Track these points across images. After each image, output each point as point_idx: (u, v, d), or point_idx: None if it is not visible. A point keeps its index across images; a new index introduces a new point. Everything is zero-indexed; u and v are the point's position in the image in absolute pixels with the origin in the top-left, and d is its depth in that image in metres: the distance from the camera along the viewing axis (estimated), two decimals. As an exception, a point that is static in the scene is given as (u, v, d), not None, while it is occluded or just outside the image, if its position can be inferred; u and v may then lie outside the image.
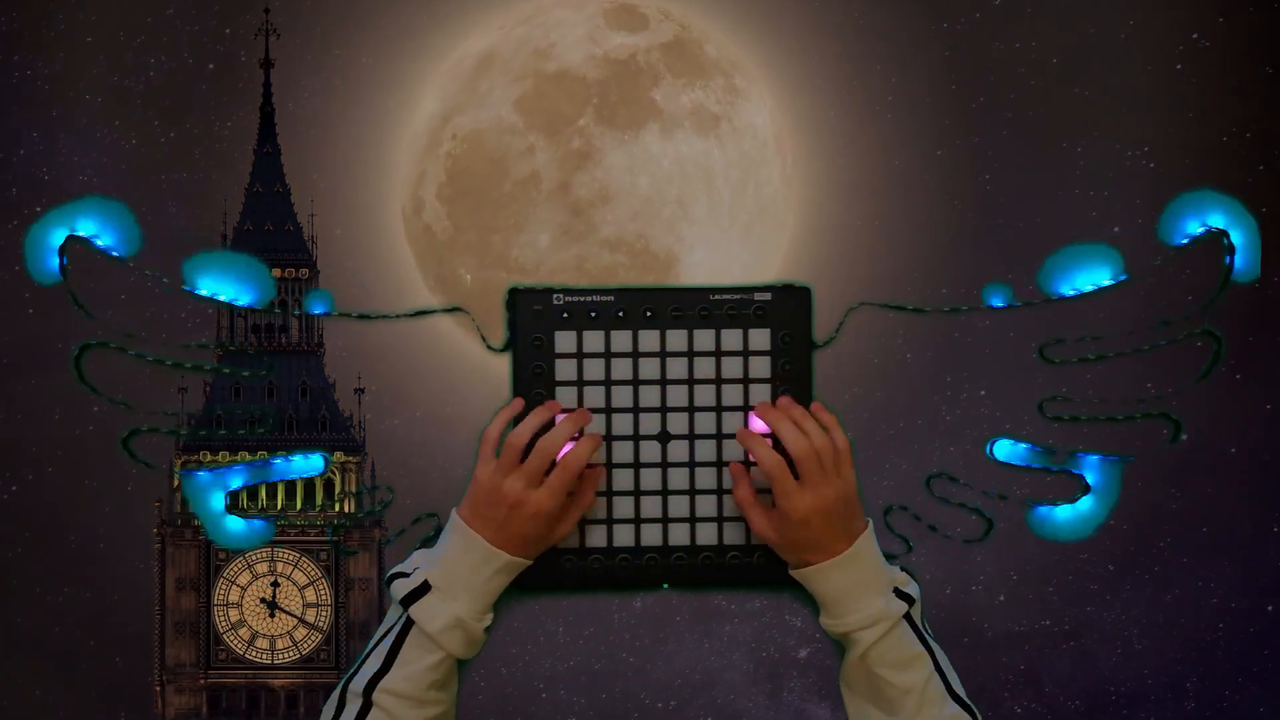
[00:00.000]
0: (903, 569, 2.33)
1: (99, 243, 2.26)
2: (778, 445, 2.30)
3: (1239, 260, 2.28)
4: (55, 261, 2.25)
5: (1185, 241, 2.30)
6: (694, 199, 13.03)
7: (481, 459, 2.29)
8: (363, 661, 2.27)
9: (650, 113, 12.90)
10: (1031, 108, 14.37)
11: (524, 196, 12.76)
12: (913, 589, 2.31)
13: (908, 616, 2.30)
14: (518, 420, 2.32)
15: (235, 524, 2.39)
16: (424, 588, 2.27)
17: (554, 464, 2.28)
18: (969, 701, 2.29)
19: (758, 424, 2.33)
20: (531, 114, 12.75)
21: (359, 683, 2.27)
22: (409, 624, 2.26)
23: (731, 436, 2.36)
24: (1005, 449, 2.37)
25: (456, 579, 2.27)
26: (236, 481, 2.39)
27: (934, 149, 14.28)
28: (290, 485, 30.71)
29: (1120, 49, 14.18)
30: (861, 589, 2.28)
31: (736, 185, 13.23)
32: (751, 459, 2.33)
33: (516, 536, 2.27)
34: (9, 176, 14.35)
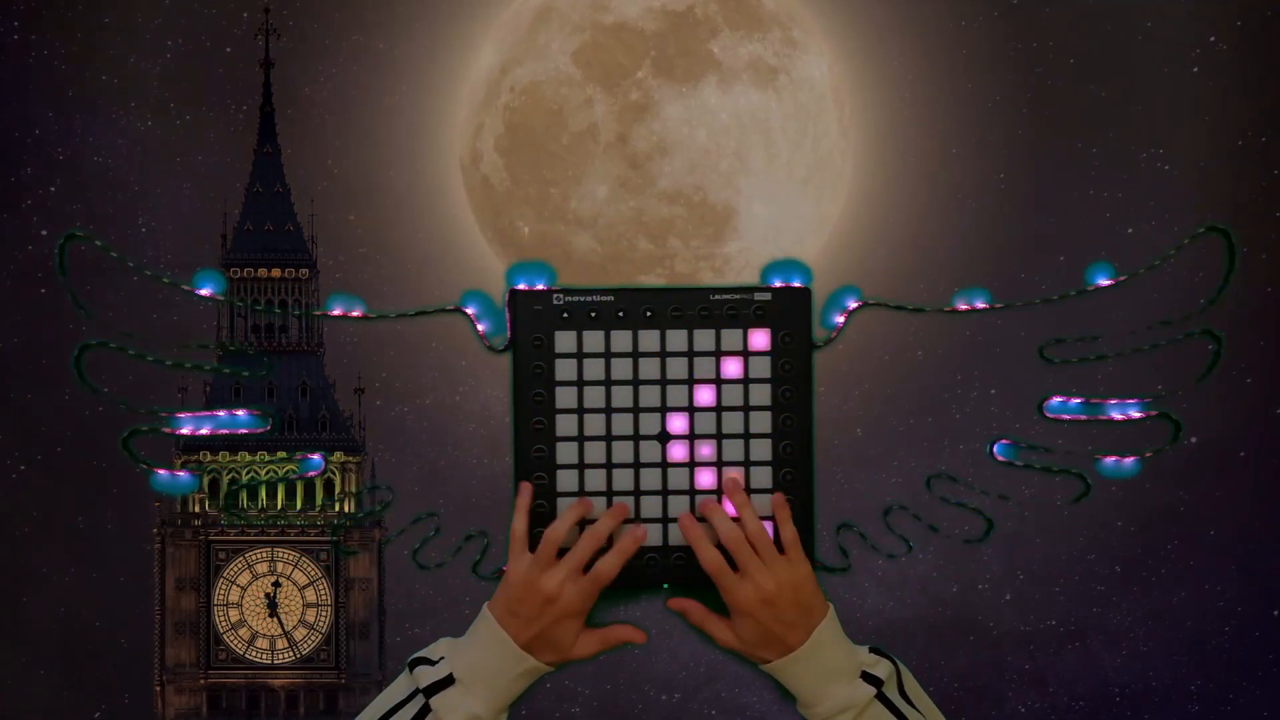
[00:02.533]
0: (872, 649, 2.34)
1: (99, 241, 2.26)
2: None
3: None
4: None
5: (1185, 241, 2.30)
6: (751, 152, 13.01)
7: (513, 555, 2.30)
8: None
9: (708, 65, 12.87)
10: (1047, 107, 14.37)
11: (582, 149, 12.73)
12: (881, 669, 2.31)
13: (880, 696, 2.30)
14: (539, 508, 2.32)
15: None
16: (448, 680, 2.28)
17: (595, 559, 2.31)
18: None
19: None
20: (589, 66, 12.73)
21: None
22: (426, 709, 2.28)
23: (732, 436, 2.36)
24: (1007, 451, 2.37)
25: (480, 676, 2.29)
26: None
27: (949, 147, 14.28)
28: (290, 485, 30.80)
29: (1137, 50, 14.17)
30: (825, 679, 2.30)
31: (794, 138, 13.20)
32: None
33: (545, 638, 2.29)
34: (23, 156, 14.34)
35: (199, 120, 15.51)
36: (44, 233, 13.86)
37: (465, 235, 13.57)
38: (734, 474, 2.34)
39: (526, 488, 2.32)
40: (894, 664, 2.32)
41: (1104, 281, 2.31)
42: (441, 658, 2.30)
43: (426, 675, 2.29)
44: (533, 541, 2.32)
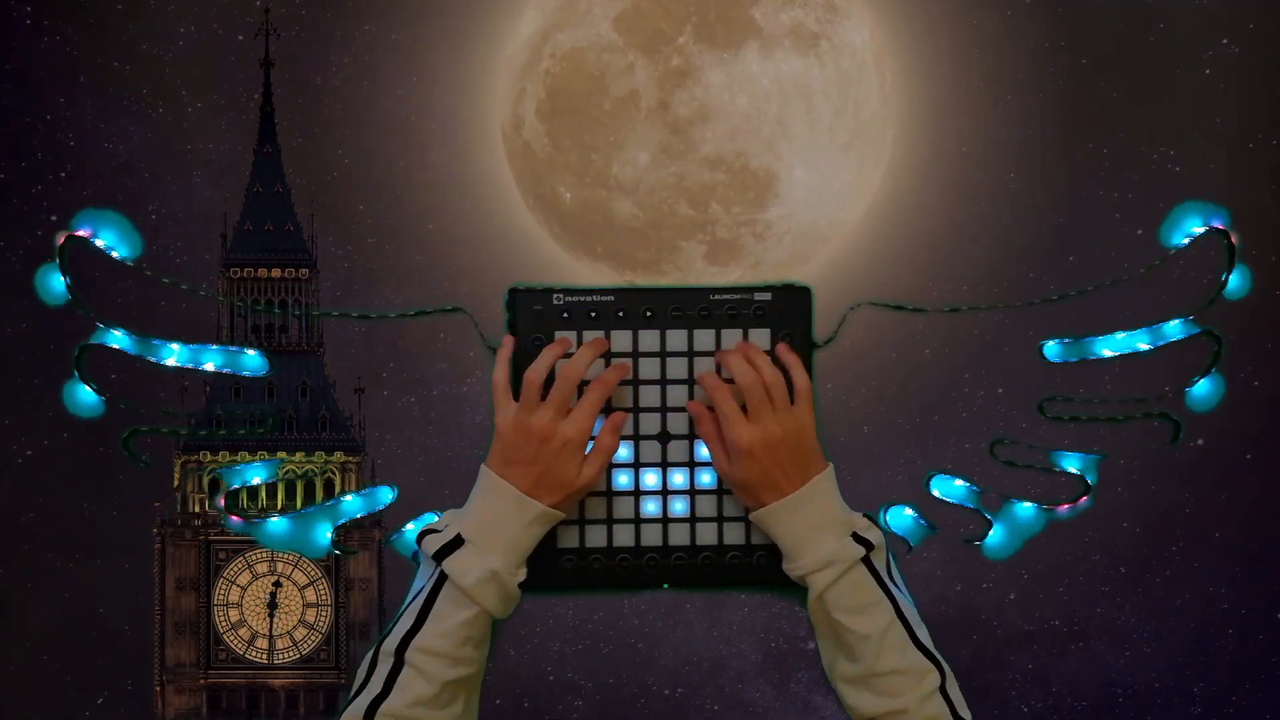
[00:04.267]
0: (866, 515, 2.31)
1: (98, 242, 2.26)
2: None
3: (1231, 281, 2.30)
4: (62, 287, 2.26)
5: (1185, 241, 2.30)
6: (793, 117, 13.01)
7: (499, 406, 2.27)
8: (394, 623, 2.24)
9: (749, 31, 12.87)
10: (1059, 107, 14.37)
11: (623, 114, 12.73)
12: (874, 535, 2.27)
13: (867, 561, 2.26)
14: (521, 357, 2.32)
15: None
16: (457, 541, 2.24)
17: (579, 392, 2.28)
18: (936, 654, 2.26)
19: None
20: (630, 32, 12.72)
21: (391, 643, 2.23)
22: (441, 579, 2.24)
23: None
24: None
25: (490, 531, 2.24)
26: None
27: (958, 146, 14.28)
28: (290, 485, 30.67)
29: (1149, 51, 14.17)
30: (816, 531, 2.26)
31: (836, 104, 13.20)
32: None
33: (548, 478, 2.25)
34: (35, 142, 14.32)
35: (210, 108, 15.49)
36: (53, 218, 13.86)
37: (509, 199, 13.53)
38: (748, 343, 2.34)
39: (509, 340, 2.32)
40: (885, 540, 2.30)
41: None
42: (447, 525, 2.26)
43: (434, 542, 2.25)
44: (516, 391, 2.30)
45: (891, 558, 2.30)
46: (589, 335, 2.35)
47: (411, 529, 2.33)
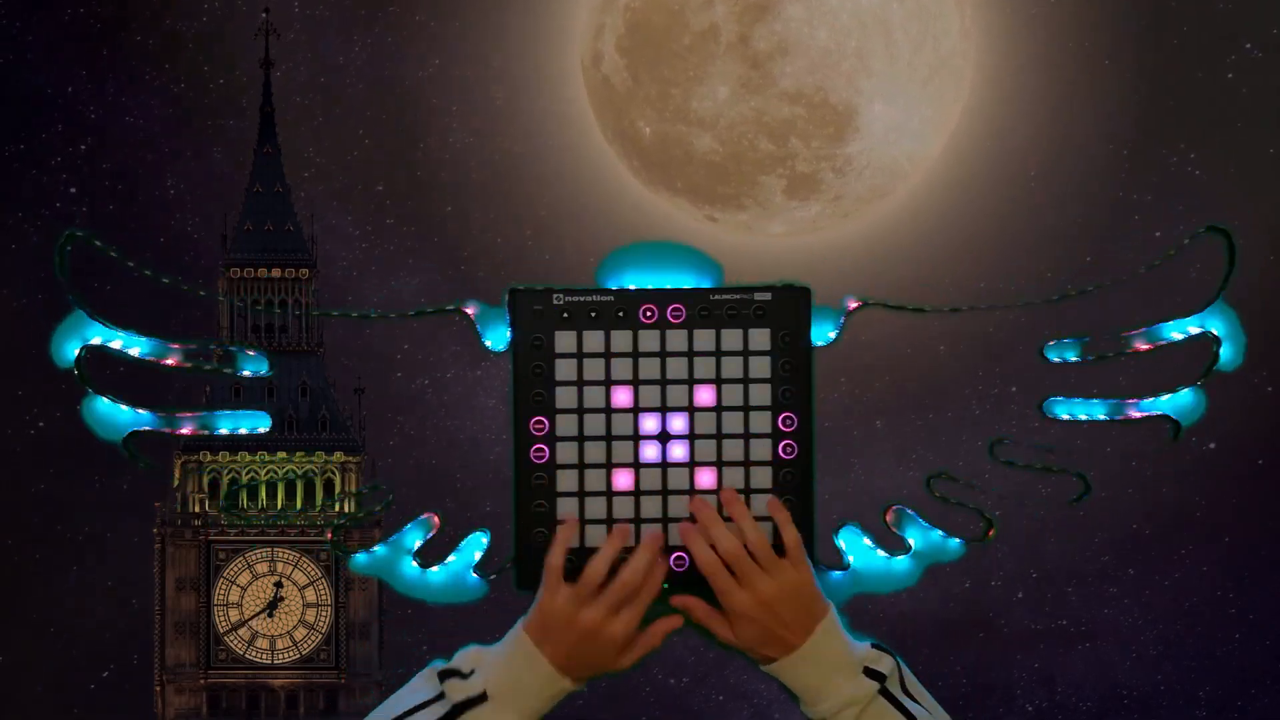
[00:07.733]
0: (874, 644, 2.34)
1: (98, 242, 2.26)
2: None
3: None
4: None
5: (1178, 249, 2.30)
6: (872, 52, 12.96)
7: (548, 588, 2.30)
8: None
9: None
10: (1079, 107, 14.38)
11: (703, 49, 12.71)
12: (883, 664, 2.32)
13: (883, 691, 2.31)
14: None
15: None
16: (482, 697, 2.30)
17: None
18: None
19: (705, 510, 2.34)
20: None
21: None
22: None
23: (732, 436, 2.36)
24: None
25: (515, 695, 2.30)
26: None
27: (981, 141, 14.28)
28: (290, 486, 30.63)
29: (1172, 54, 14.19)
30: (827, 677, 2.30)
31: (915, 39, 13.16)
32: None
33: (585, 663, 2.31)
34: (55, 114, 14.34)
35: (232, 84, 15.50)
36: (72, 190, 13.88)
37: (588, 135, 13.49)
38: (730, 489, 2.34)
39: (573, 521, 2.33)
40: (895, 660, 2.33)
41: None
42: (473, 670, 2.31)
43: (459, 689, 2.29)
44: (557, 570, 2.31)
45: (905, 670, 2.33)
46: (589, 335, 2.35)
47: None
